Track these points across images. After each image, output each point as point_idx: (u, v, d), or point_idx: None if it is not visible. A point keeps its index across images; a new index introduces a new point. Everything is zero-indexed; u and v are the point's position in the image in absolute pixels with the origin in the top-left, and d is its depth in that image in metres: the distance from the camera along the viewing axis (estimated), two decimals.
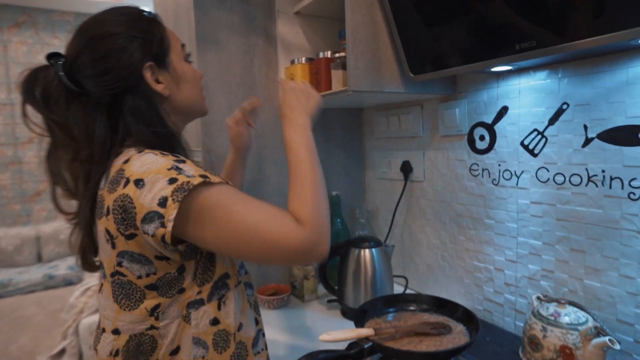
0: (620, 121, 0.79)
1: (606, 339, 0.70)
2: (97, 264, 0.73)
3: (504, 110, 1.02)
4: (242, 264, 0.79)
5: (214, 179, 0.63)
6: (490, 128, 1.05)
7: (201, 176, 0.61)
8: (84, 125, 0.68)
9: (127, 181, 0.61)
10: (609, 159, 0.82)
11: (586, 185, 0.86)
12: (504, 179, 1.03)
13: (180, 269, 0.65)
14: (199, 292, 0.67)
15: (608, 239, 0.83)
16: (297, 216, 0.64)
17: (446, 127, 1.18)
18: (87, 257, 0.73)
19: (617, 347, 0.69)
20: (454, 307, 0.93)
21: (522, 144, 0.98)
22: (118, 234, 0.63)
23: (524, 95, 0.97)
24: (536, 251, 0.97)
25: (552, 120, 0.91)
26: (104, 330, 0.68)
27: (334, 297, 1.24)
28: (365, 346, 0.80)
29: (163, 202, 0.58)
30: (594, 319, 0.80)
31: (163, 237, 0.59)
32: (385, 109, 1.41)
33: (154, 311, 0.65)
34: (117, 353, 0.66)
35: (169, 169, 0.61)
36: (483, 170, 1.09)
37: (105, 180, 0.66)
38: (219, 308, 0.69)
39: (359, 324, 0.88)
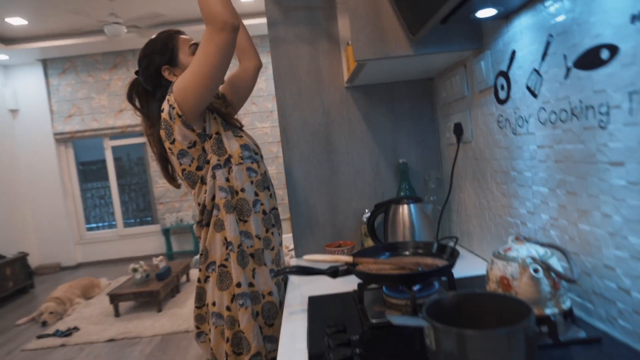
0: (587, 43, 0.72)
1: (531, 268, 0.67)
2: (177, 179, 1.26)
3: (513, 55, 0.97)
4: (250, 154, 1.20)
5: None
6: (506, 76, 1.02)
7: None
8: (148, 107, 1.20)
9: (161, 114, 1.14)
10: (584, 88, 0.74)
11: (571, 120, 0.79)
12: (519, 126, 0.98)
13: (204, 149, 1.14)
14: (218, 159, 1.14)
15: (591, 175, 0.75)
16: (207, 24, 1.00)
17: (478, 82, 1.16)
18: (169, 177, 1.25)
19: (537, 275, 0.66)
20: (443, 249, 0.96)
21: (527, 86, 0.93)
22: (170, 145, 1.13)
23: (525, 35, 0.92)
24: (545, 199, 0.91)
25: (544, 56, 0.85)
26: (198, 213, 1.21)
27: None
28: (340, 268, 0.94)
29: (167, 102, 1.09)
30: (553, 256, 0.74)
31: (178, 115, 1.07)
32: (443, 74, 1.43)
33: (201, 181, 1.16)
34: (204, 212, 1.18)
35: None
36: (505, 120, 1.05)
37: None
38: (228, 172, 1.15)
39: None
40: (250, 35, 1.39)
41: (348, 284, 1.15)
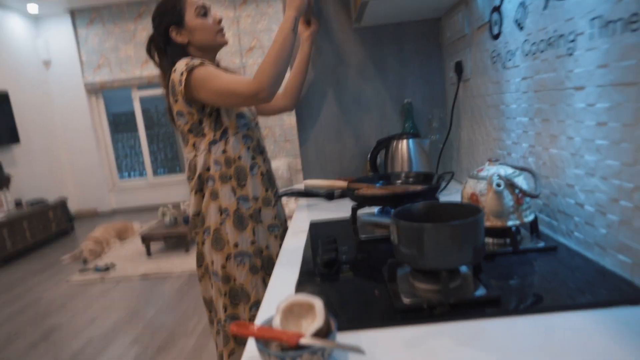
0: None
1: (494, 183, 0.76)
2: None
3: None
4: (245, 122, 1.28)
5: (208, 64, 1.12)
6: (499, 10, 1.05)
7: (200, 62, 1.10)
8: (161, 62, 1.27)
9: (172, 72, 1.14)
10: (558, 17, 0.79)
11: (547, 49, 0.84)
12: (508, 60, 1.03)
13: (200, 121, 1.18)
14: (214, 135, 1.21)
15: (560, 102, 0.81)
16: (254, 76, 1.11)
17: (476, 19, 1.19)
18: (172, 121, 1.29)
19: (499, 188, 0.75)
20: (431, 178, 1.05)
21: (515, 20, 0.97)
22: (173, 100, 1.17)
23: None
24: (525, 128, 0.97)
25: None
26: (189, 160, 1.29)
27: None
28: (335, 192, 1.05)
29: (181, 74, 1.14)
30: (520, 176, 0.82)
31: (181, 92, 1.14)
32: (448, 14, 1.45)
33: (193, 145, 1.23)
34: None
35: (186, 62, 1.16)
36: (497, 55, 1.09)
37: None
38: (225, 144, 1.22)
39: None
40: (302, 81, 1.51)
41: (348, 211, 1.27)
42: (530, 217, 0.82)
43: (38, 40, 6.45)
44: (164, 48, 1.26)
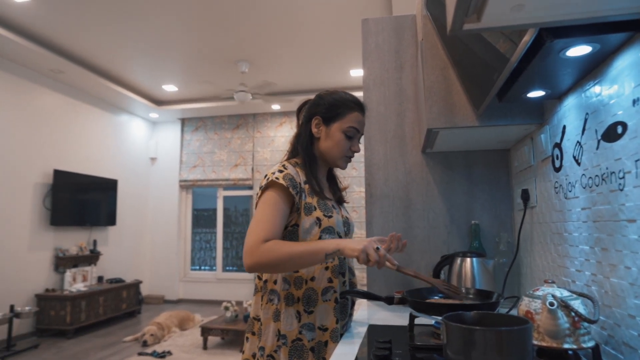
0: (609, 120, 0.87)
1: (547, 302, 0.79)
2: None
3: (564, 130, 1.12)
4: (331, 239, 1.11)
5: (277, 187, 1.11)
6: (559, 147, 1.16)
7: (270, 182, 1.12)
8: (297, 128, 1.32)
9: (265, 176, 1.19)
10: (608, 157, 0.88)
11: (601, 184, 0.91)
12: (569, 191, 1.10)
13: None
14: None
15: (616, 232, 0.86)
16: (261, 247, 1.02)
17: (540, 153, 1.30)
18: None
19: (552, 307, 0.77)
20: (490, 295, 1.08)
21: (573, 156, 1.07)
22: (257, 198, 1.19)
23: (571, 113, 1.07)
24: (587, 256, 1.00)
25: (583, 131, 1.00)
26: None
27: None
28: (395, 297, 1.11)
29: (260, 187, 1.15)
30: (577, 300, 0.84)
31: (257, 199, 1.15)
32: (516, 146, 1.58)
33: None
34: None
35: (274, 171, 1.16)
36: (560, 186, 1.17)
37: None
38: None
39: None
40: None
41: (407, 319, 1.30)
42: (590, 344, 0.82)
43: (151, 140, 7.58)
44: (302, 123, 1.28)
